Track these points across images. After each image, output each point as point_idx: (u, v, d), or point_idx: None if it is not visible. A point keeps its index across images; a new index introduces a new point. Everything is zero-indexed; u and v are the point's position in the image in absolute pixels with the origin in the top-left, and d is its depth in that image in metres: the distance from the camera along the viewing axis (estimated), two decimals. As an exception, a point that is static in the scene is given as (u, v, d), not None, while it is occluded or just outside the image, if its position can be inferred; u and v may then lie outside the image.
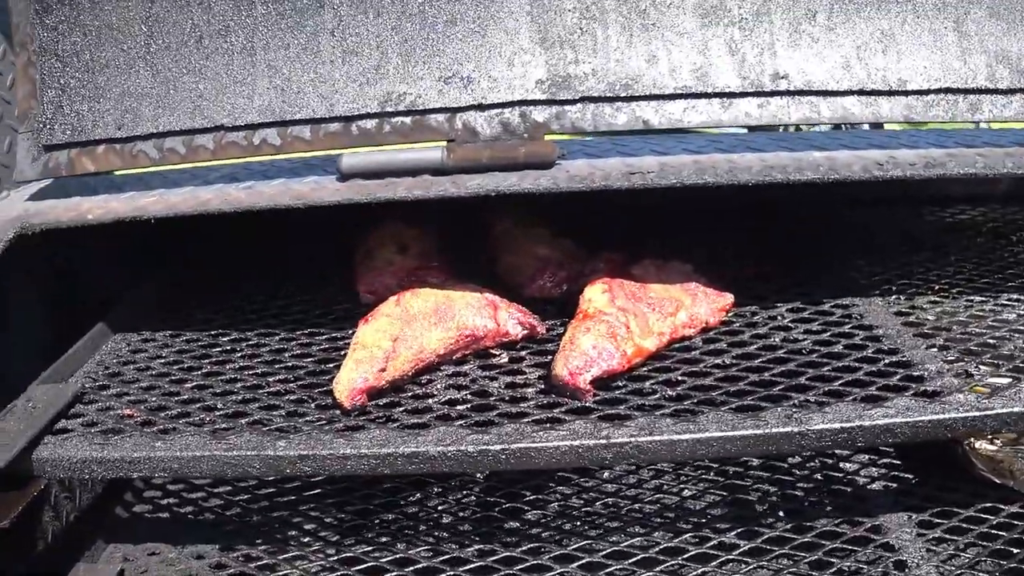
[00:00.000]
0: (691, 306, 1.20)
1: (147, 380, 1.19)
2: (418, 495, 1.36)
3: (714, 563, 1.15)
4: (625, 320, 1.13)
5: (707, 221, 1.50)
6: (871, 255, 1.43)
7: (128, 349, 1.28)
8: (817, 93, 1.11)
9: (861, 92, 1.10)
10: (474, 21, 1.11)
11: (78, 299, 1.32)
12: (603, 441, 0.99)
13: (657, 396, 1.08)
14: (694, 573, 1.13)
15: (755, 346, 1.17)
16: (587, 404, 1.06)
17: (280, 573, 1.18)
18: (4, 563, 1.10)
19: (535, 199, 1.10)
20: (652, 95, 1.11)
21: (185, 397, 1.14)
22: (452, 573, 1.15)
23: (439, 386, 1.14)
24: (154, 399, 1.14)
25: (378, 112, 1.12)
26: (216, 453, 1.02)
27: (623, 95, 1.11)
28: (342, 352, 1.22)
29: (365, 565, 1.17)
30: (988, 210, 1.62)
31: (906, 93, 1.10)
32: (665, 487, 1.34)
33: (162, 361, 1.24)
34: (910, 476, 1.26)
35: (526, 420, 1.04)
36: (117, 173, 1.29)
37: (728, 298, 1.24)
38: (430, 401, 1.10)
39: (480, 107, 1.12)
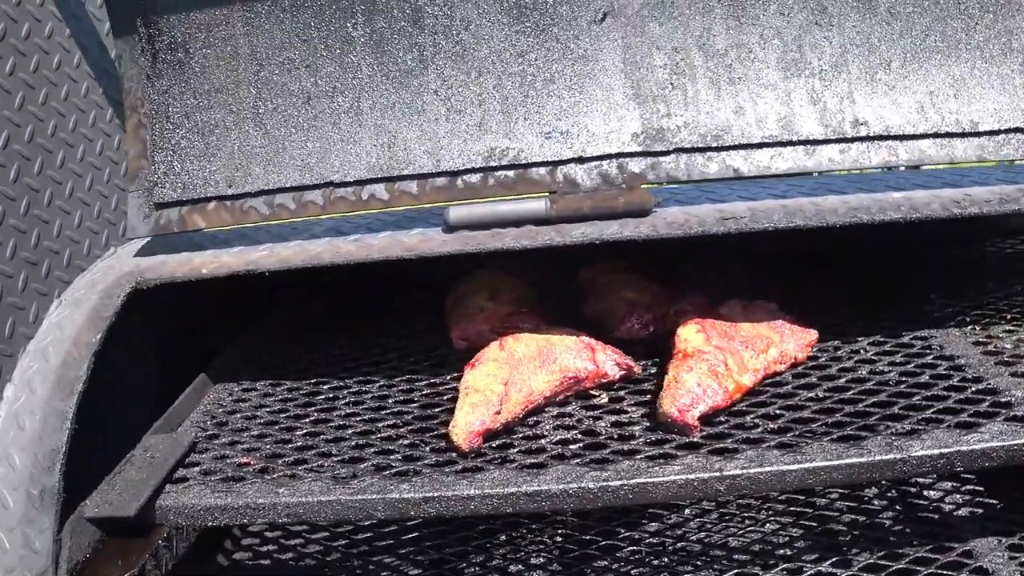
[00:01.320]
0: (780, 343, 1.29)
1: (256, 428, 1.27)
2: (510, 535, 1.43)
3: (815, 591, 1.23)
4: (723, 358, 1.22)
5: (777, 264, 1.60)
6: (940, 289, 1.53)
7: (231, 399, 1.36)
8: (895, 137, 1.22)
9: (936, 135, 1.22)
10: (571, 79, 1.22)
11: (180, 352, 1.40)
12: (717, 474, 1.08)
13: (760, 430, 1.16)
14: (796, 601, 1.21)
15: (844, 379, 1.26)
16: (694, 440, 1.15)
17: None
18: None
19: (620, 247, 1.20)
20: (741, 144, 1.22)
21: (299, 444, 1.21)
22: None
23: (547, 427, 1.22)
24: (268, 447, 1.21)
25: (483, 167, 1.22)
26: (342, 498, 1.09)
27: (714, 145, 1.21)
28: (445, 397, 1.31)
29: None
30: (1048, 240, 1.74)
31: (978, 134, 1.22)
32: (750, 523, 1.42)
33: (268, 410, 1.32)
34: (995, 501, 1.35)
35: (639, 457, 1.12)
36: (208, 230, 1.38)
37: (813, 334, 1.34)
38: (543, 442, 1.18)
39: (580, 160, 1.22)
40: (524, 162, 1.22)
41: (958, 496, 1.39)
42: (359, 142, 1.24)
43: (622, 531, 1.40)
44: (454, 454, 1.16)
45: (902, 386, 1.23)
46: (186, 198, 1.25)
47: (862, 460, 1.08)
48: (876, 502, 1.43)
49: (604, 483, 1.08)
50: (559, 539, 1.42)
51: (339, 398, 1.34)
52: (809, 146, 1.22)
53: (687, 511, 1.46)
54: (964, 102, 1.22)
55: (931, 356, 1.30)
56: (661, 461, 1.11)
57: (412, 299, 1.62)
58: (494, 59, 1.22)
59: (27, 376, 1.11)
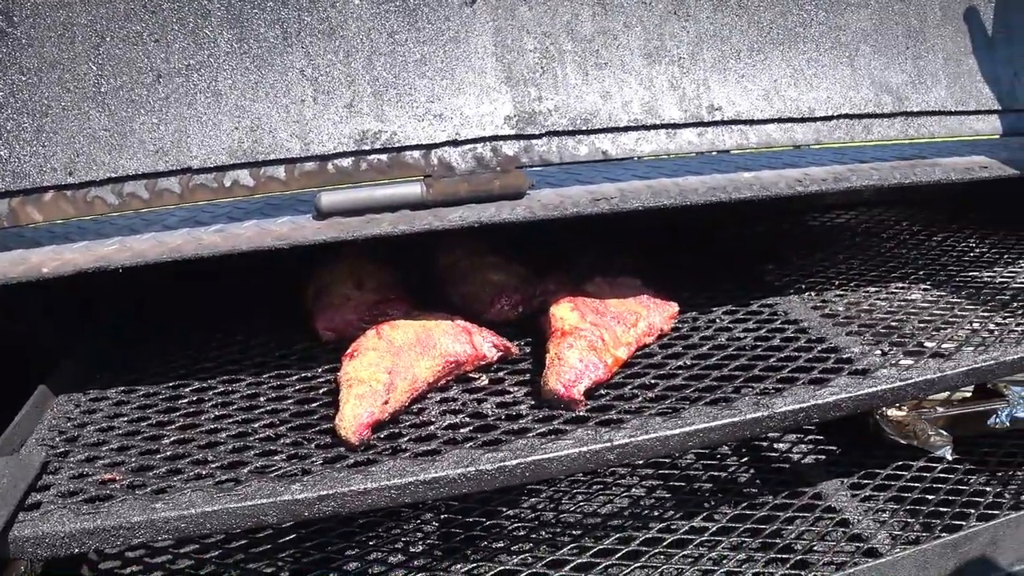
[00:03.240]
0: (648, 316, 1.32)
1: (115, 441, 1.12)
2: (391, 525, 1.37)
3: (690, 547, 1.27)
4: (600, 333, 1.22)
5: (625, 243, 1.63)
6: (775, 260, 1.63)
7: (79, 410, 1.19)
8: (745, 122, 1.27)
9: (780, 120, 1.28)
10: (443, 61, 1.16)
11: (12, 362, 1.21)
12: (607, 444, 1.08)
13: (639, 399, 1.18)
14: (675, 558, 1.25)
15: (707, 347, 1.31)
16: (581, 414, 1.14)
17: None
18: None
19: (486, 230, 1.18)
20: (609, 128, 1.22)
21: (168, 454, 1.08)
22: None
23: (434, 413, 1.17)
24: (133, 459, 1.07)
25: (354, 150, 1.14)
26: (229, 506, 0.98)
27: (583, 128, 1.21)
28: (321, 391, 1.22)
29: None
30: (858, 213, 1.90)
31: (815, 119, 1.30)
32: (622, 490, 1.45)
33: (125, 419, 1.17)
34: (834, 448, 1.46)
35: (531, 434, 1.10)
36: (40, 225, 1.21)
37: (675, 307, 1.38)
38: (431, 428, 1.13)
39: (455, 143, 1.17)
40: (397, 145, 1.15)
41: (803, 446, 1.49)
42: (219, 125, 1.11)
43: (503, 509, 1.38)
44: (342, 449, 1.08)
45: (758, 350, 1.29)
46: (17, 188, 1.07)
47: (735, 419, 1.12)
48: (733, 459, 1.51)
49: (501, 463, 1.05)
50: (440, 524, 1.37)
51: (205, 400, 1.21)
52: (671, 130, 1.25)
53: (562, 484, 1.46)
54: (803, 90, 1.30)
55: (779, 321, 1.38)
56: (553, 437, 1.09)
57: (264, 289, 1.48)
58: (363, 38, 1.14)
59: None
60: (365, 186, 1.15)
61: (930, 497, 1.32)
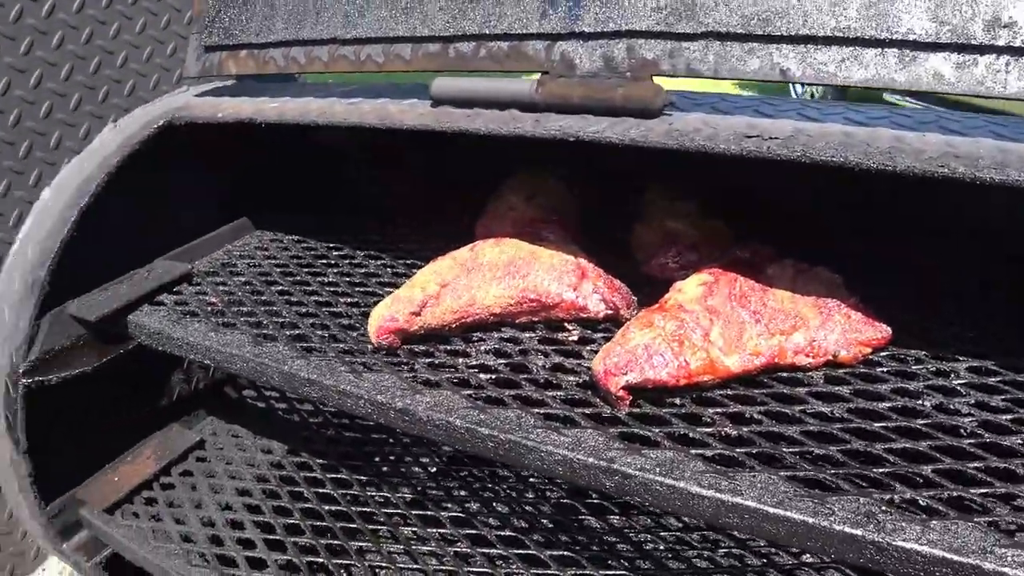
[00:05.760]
0: (817, 329, 0.86)
1: (248, 275, 1.19)
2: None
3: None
4: (706, 324, 0.84)
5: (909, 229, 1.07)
6: None
7: (255, 245, 1.30)
8: (1063, 53, 0.69)
9: None
10: (595, -72, 0.87)
11: (234, 194, 1.36)
12: (603, 463, 0.76)
13: (711, 430, 0.79)
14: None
15: (889, 404, 0.80)
16: (618, 414, 0.82)
17: (319, 490, 1.12)
18: (109, 404, 1.20)
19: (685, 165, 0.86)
20: (799, 36, 0.78)
21: (263, 298, 1.11)
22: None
23: (482, 348, 0.96)
24: (238, 294, 1.13)
25: (476, 34, 0.95)
26: (248, 356, 0.98)
27: (759, 33, 0.79)
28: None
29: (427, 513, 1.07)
30: None
31: None
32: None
33: (271, 261, 1.23)
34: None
35: (537, 410, 0.83)
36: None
37: (881, 331, 0.87)
38: (460, 361, 0.93)
39: (582, 36, 0.88)
40: (520, 32, 0.92)
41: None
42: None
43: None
44: (370, 346, 0.97)
45: (967, 440, 0.74)
46: (226, 43, 1.16)
47: (808, 520, 0.68)
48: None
49: (473, 426, 0.82)
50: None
51: (336, 267, 1.19)
52: (906, 50, 0.74)
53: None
54: None
55: (1052, 411, 0.77)
56: (556, 424, 0.81)
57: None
58: (512, -101, 0.92)
59: (60, 182, 1.14)
60: (482, 77, 0.96)
61: None
